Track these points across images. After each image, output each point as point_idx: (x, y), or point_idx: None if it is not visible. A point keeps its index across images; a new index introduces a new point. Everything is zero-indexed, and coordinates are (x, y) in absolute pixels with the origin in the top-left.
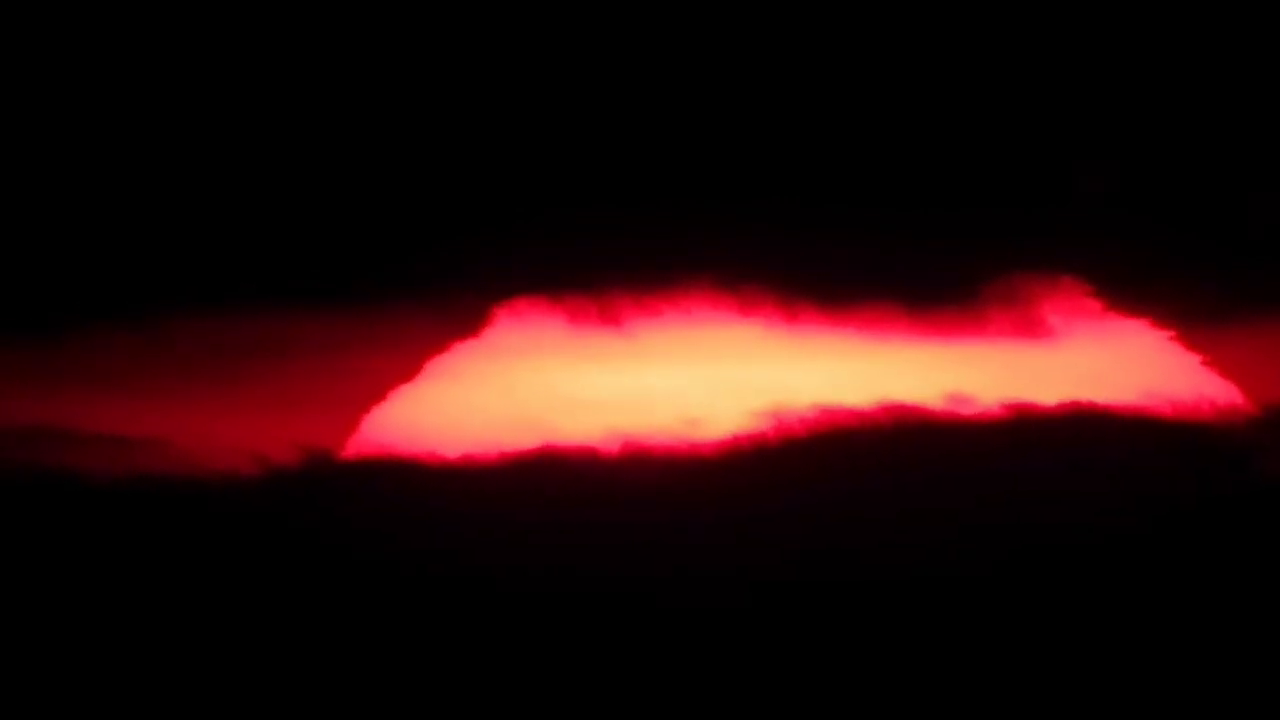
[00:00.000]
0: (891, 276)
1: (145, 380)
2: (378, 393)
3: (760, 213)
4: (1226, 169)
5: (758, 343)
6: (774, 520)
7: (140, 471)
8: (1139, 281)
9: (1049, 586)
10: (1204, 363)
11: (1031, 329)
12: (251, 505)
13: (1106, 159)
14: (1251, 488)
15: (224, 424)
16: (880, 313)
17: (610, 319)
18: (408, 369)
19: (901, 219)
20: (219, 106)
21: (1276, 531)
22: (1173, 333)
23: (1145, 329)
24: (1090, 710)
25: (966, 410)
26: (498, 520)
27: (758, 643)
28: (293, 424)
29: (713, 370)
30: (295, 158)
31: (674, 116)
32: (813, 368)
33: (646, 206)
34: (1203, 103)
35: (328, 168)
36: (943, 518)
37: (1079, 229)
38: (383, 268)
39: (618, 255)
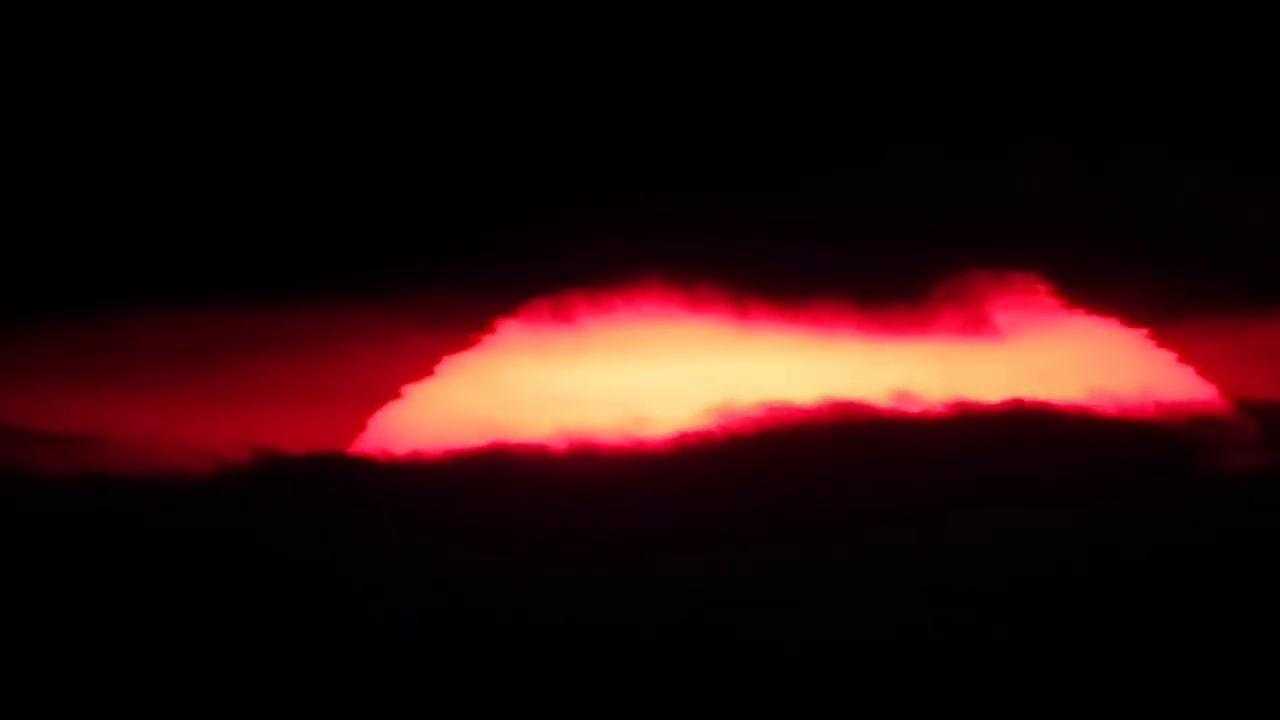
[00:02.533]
0: (840, 274)
1: (99, 377)
2: (330, 391)
3: (711, 211)
4: (1180, 168)
5: (707, 340)
6: (721, 516)
7: (93, 469)
8: (1087, 281)
9: (994, 580)
10: (1150, 362)
11: (979, 327)
12: (204, 503)
13: (1057, 159)
14: (1199, 484)
15: (178, 421)
16: (829, 310)
17: (561, 316)
18: (360, 367)
19: (850, 217)
20: (181, 98)
21: (1220, 525)
22: (1119, 332)
23: (1092, 328)
24: (1032, 694)
25: (913, 408)
26: (446, 516)
27: (704, 635)
28: (244, 422)
29: (662, 367)
30: (255, 158)
31: (625, 117)
32: (761, 365)
33: (599, 205)
34: (1156, 101)
35: (286, 169)
36: (888, 513)
37: (1029, 228)
38: (339, 267)
39: (569, 253)
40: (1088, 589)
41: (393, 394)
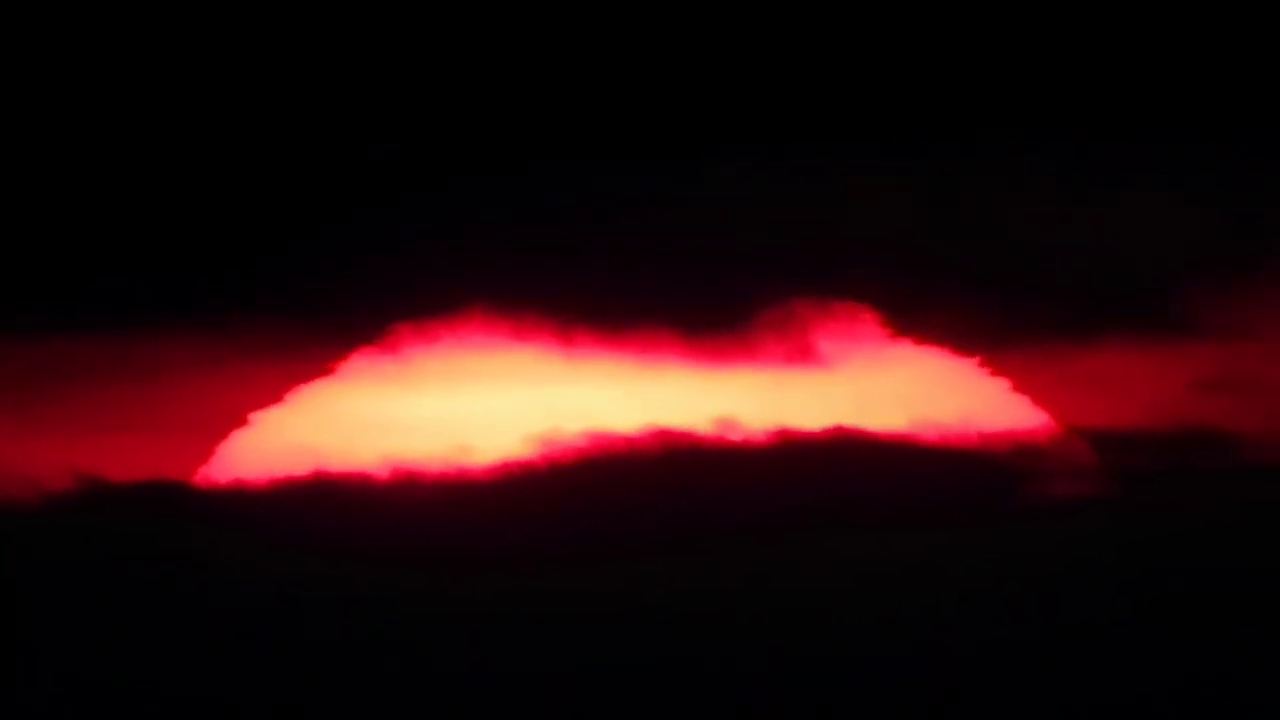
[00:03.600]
0: (665, 302)
1: None
2: (154, 420)
3: (535, 240)
4: (1009, 197)
5: (531, 368)
6: (543, 544)
7: None
8: (913, 309)
9: (818, 606)
10: (976, 390)
11: (803, 355)
12: (25, 531)
13: (885, 186)
14: (1025, 512)
15: (6, 447)
16: (653, 338)
17: (388, 345)
18: (186, 397)
19: (675, 245)
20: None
21: (1048, 552)
22: (946, 360)
23: (917, 356)
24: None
25: (736, 436)
26: (268, 545)
27: (529, 664)
28: (68, 450)
29: (487, 395)
30: (92, 186)
31: (450, 150)
32: (586, 393)
33: (422, 232)
34: (983, 129)
35: (126, 200)
36: (712, 541)
37: (854, 256)
38: (158, 295)
39: (393, 280)
40: (911, 617)
41: (221, 422)
